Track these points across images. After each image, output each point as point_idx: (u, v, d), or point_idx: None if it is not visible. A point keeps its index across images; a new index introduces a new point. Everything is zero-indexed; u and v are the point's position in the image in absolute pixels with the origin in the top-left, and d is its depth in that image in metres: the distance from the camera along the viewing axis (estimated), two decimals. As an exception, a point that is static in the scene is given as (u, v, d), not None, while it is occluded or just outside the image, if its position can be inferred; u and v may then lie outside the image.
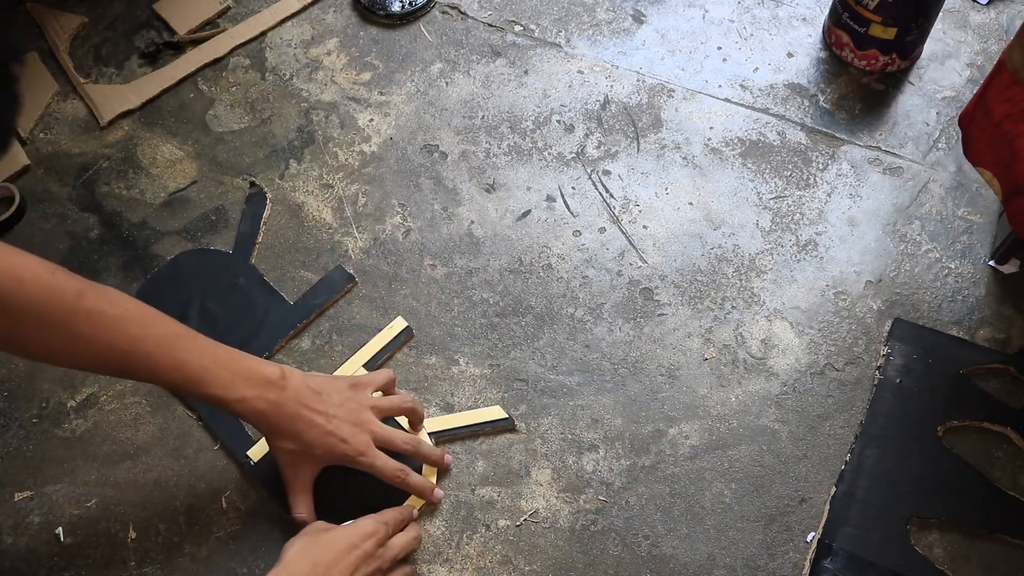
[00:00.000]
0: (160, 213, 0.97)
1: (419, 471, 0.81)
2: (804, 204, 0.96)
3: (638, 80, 1.05)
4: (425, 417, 0.84)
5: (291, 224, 0.96)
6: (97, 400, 0.86)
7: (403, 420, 0.83)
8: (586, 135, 1.01)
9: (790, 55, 1.06)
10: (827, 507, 0.79)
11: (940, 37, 1.06)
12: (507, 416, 0.84)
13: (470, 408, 0.85)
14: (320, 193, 0.98)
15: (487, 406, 0.85)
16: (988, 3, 1.08)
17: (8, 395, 0.87)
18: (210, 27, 1.10)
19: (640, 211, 0.96)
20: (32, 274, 0.64)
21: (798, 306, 0.90)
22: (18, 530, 0.80)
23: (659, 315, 0.90)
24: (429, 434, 0.83)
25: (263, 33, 1.09)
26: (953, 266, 0.92)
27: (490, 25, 1.10)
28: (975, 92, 0.85)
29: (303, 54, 1.08)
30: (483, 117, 1.03)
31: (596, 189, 0.98)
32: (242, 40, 1.08)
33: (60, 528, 0.80)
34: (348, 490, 0.80)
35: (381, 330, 0.88)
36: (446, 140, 1.01)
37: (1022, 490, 0.80)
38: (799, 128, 1.01)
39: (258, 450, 0.82)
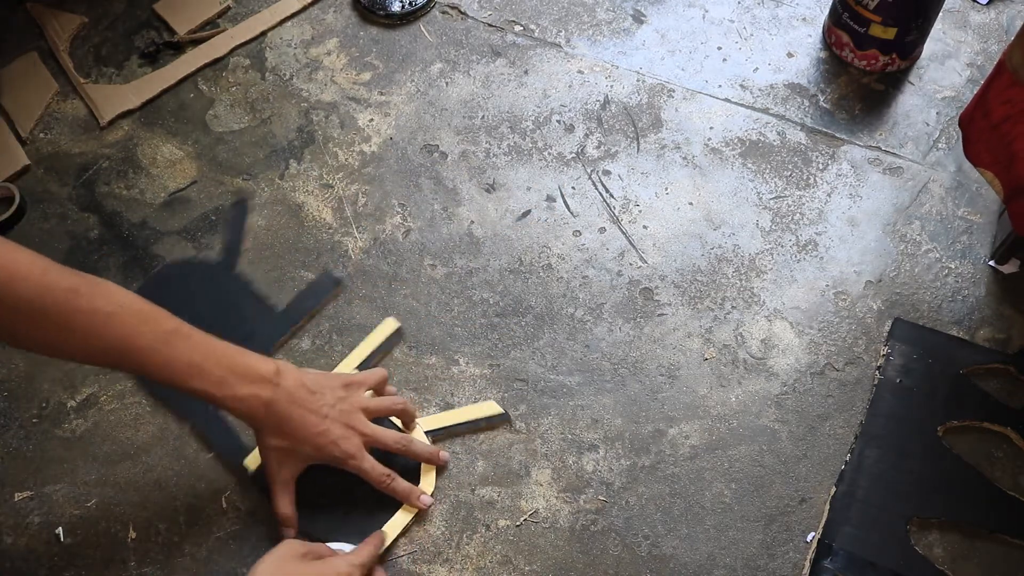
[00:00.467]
0: (160, 213, 0.97)
1: (418, 470, 0.81)
2: (804, 204, 0.96)
3: (638, 80, 1.05)
4: (419, 416, 0.84)
5: (291, 224, 0.96)
6: (97, 400, 0.86)
7: (396, 419, 0.83)
8: (586, 135, 1.01)
9: (790, 55, 1.06)
10: (827, 507, 0.79)
11: (940, 37, 1.06)
12: (503, 411, 0.84)
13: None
14: (320, 193, 0.98)
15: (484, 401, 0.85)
16: (988, 3, 1.08)
17: (8, 395, 0.87)
18: (210, 27, 1.10)
19: (640, 211, 0.96)
20: (25, 271, 0.65)
21: (798, 306, 0.90)
22: (18, 530, 0.80)
23: (659, 315, 0.90)
24: (426, 432, 0.83)
25: (263, 33, 1.09)
26: (953, 266, 0.92)
27: (490, 25, 1.10)
28: (975, 93, 0.85)
29: (303, 54, 1.08)
30: (483, 117, 1.03)
31: (596, 189, 0.98)
32: (242, 40, 1.09)
33: (60, 528, 0.80)
34: (334, 488, 0.80)
35: (373, 331, 0.88)
36: (446, 140, 1.01)
37: (1022, 490, 0.80)
38: (799, 128, 1.01)
39: (254, 459, 0.81)
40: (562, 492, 0.81)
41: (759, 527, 0.79)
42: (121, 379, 0.87)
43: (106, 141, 1.02)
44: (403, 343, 0.89)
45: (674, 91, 1.04)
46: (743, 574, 0.77)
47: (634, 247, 0.94)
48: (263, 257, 0.94)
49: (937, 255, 0.93)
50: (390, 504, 0.79)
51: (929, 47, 1.05)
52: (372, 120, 1.03)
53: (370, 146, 1.01)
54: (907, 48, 1.01)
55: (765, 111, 1.02)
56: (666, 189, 0.97)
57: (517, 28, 1.09)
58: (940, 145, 0.99)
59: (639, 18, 1.10)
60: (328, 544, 0.75)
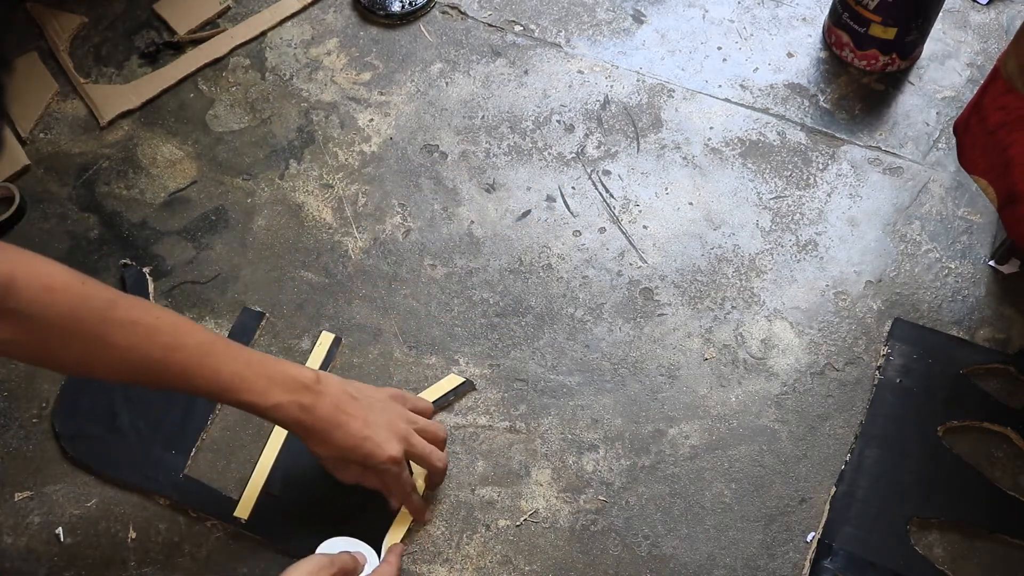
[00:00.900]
0: (160, 213, 0.97)
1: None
2: (804, 204, 0.96)
3: (638, 80, 1.05)
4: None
5: (291, 224, 0.96)
6: (97, 400, 0.86)
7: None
8: (586, 135, 1.01)
9: (790, 55, 1.06)
10: (827, 507, 0.79)
11: (940, 37, 1.06)
12: (465, 380, 0.85)
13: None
14: (320, 193, 0.98)
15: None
16: (988, 3, 1.08)
17: (8, 395, 0.87)
18: (210, 27, 1.10)
19: (640, 211, 0.96)
20: (62, 282, 0.63)
21: (798, 306, 0.90)
22: (18, 530, 0.80)
23: (659, 315, 0.90)
24: None
25: (263, 33, 1.09)
26: (953, 266, 0.92)
27: (490, 25, 1.10)
28: (970, 100, 0.85)
29: (303, 54, 1.08)
30: (483, 117, 1.03)
31: (596, 189, 0.98)
32: (242, 40, 1.08)
33: (60, 528, 0.80)
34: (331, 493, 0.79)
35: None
36: (446, 140, 1.01)
37: (1022, 490, 0.80)
38: (799, 128, 1.01)
39: (244, 507, 0.79)
40: (562, 492, 0.81)
41: (759, 527, 0.79)
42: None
43: (106, 141, 1.02)
44: (403, 343, 0.89)
45: (674, 91, 1.04)
46: (743, 574, 0.77)
47: (634, 247, 0.94)
48: (263, 257, 0.94)
49: (937, 255, 0.93)
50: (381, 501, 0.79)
51: (929, 47, 1.05)
52: (372, 120, 1.03)
53: (370, 146, 1.01)
54: (907, 48, 1.01)
55: (765, 111, 1.02)
56: (666, 189, 0.97)
57: (517, 28, 1.09)
58: (940, 145, 0.99)
59: (639, 18, 1.10)
60: (348, 547, 0.75)
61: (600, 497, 0.81)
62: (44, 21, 1.10)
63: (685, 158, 0.99)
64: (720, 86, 1.04)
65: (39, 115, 1.04)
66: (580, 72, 1.06)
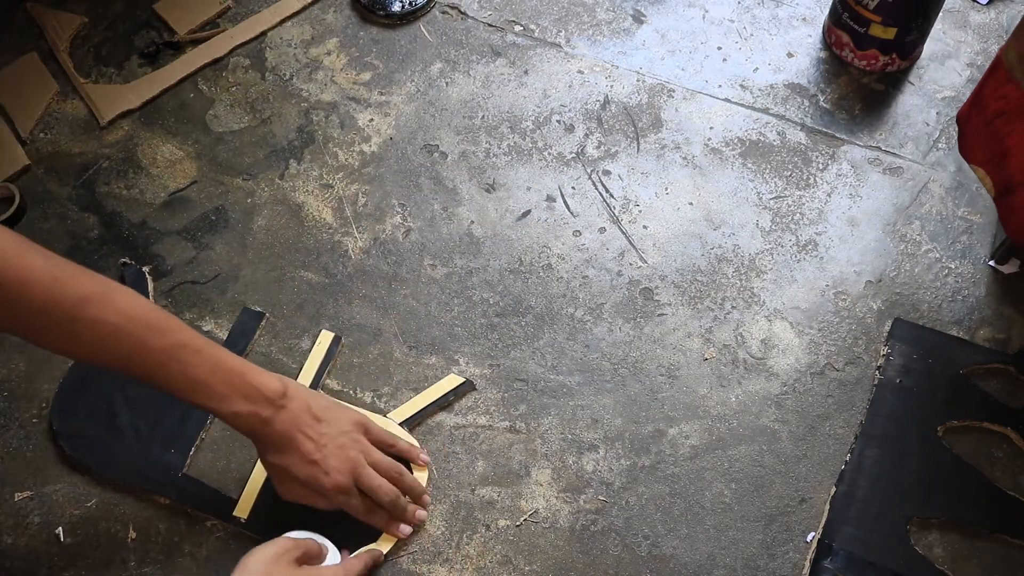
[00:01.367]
0: (160, 213, 0.97)
1: (410, 470, 0.80)
2: (804, 204, 0.96)
3: (638, 80, 1.05)
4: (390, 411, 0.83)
5: (291, 224, 0.96)
6: (97, 400, 0.86)
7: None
8: (586, 135, 1.01)
9: (790, 55, 1.06)
10: (827, 507, 0.79)
11: (940, 37, 1.06)
12: (465, 380, 0.85)
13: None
14: (320, 193, 0.98)
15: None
16: (988, 3, 1.08)
17: (8, 395, 0.87)
18: (210, 27, 1.10)
19: (640, 211, 0.96)
20: (36, 278, 0.64)
21: (798, 306, 0.90)
22: (18, 530, 0.80)
23: (659, 315, 0.90)
24: (400, 423, 0.83)
25: (263, 33, 1.09)
26: (953, 266, 0.92)
27: (490, 25, 1.10)
28: (973, 90, 0.85)
29: (303, 54, 1.08)
30: (483, 117, 1.03)
31: (596, 189, 0.98)
32: (242, 40, 1.08)
33: (60, 528, 0.80)
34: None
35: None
36: (446, 140, 1.01)
37: (1022, 490, 0.80)
38: (799, 128, 1.01)
39: (244, 507, 0.80)
40: (562, 492, 0.81)
41: (759, 527, 0.79)
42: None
43: (106, 141, 1.02)
44: (403, 343, 0.89)
45: (674, 91, 1.04)
46: (743, 574, 0.77)
47: (634, 247, 0.94)
48: (263, 257, 0.94)
49: (937, 255, 0.93)
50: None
51: (929, 47, 1.05)
52: (372, 120, 1.03)
53: (370, 146, 1.01)
54: (907, 48, 1.01)
55: (765, 111, 1.02)
56: (666, 189, 0.97)
57: (517, 28, 1.09)
58: (940, 145, 0.99)
59: (639, 18, 1.10)
60: (313, 537, 0.75)
61: (600, 497, 0.81)
62: (44, 21, 1.10)
63: (685, 158, 0.99)
64: (720, 86, 1.04)
65: (39, 115, 1.04)
66: (580, 72, 1.06)
